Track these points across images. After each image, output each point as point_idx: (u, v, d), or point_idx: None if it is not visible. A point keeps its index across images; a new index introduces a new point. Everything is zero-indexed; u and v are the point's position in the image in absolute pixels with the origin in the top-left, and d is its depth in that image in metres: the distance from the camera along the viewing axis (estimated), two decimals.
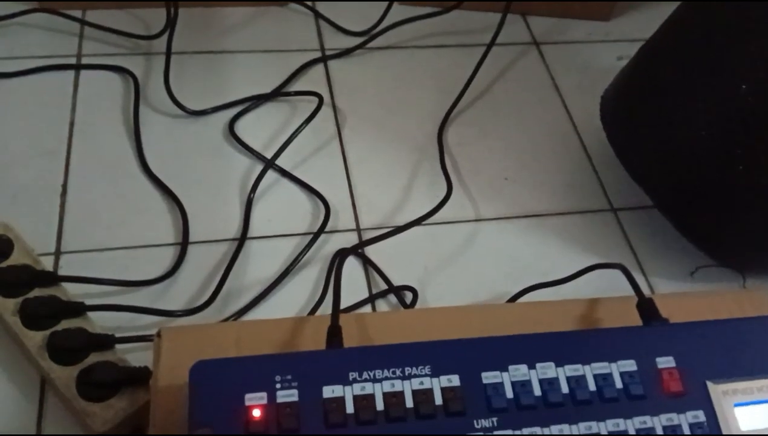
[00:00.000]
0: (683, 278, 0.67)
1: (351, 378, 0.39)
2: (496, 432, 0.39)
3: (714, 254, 0.67)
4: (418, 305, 0.61)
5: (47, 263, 0.59)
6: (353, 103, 0.77)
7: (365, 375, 0.40)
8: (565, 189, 0.73)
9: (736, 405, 0.42)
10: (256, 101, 0.74)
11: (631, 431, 0.40)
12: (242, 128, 0.72)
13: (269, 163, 0.68)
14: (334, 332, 0.44)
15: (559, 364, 0.41)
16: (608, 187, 0.73)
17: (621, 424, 0.40)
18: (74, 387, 0.48)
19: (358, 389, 0.39)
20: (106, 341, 0.51)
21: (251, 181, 0.67)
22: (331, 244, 0.65)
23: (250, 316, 0.59)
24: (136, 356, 0.52)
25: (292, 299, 0.60)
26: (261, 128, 0.73)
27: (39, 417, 0.51)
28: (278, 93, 0.76)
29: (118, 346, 0.52)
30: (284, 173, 0.69)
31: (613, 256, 0.68)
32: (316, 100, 0.74)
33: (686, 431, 0.40)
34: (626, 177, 0.69)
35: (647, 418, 0.40)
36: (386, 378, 0.40)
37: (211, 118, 0.72)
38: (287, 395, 0.38)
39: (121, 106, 0.72)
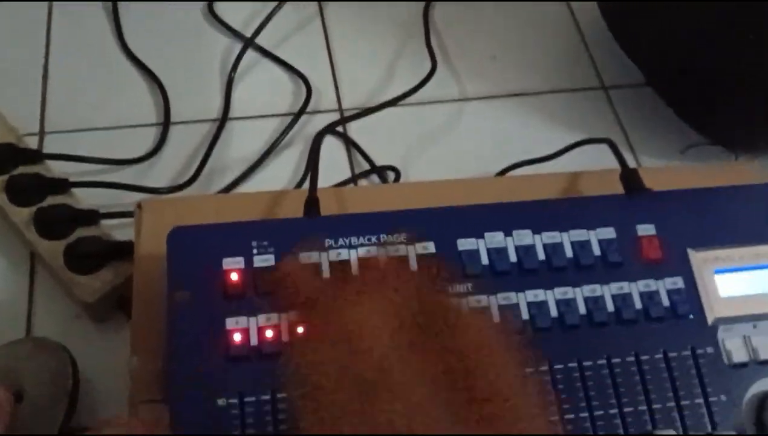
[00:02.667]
0: (674, 157, 0.66)
1: (327, 245, 0.40)
2: (470, 297, 0.40)
3: (706, 130, 0.66)
4: None
5: (31, 143, 0.58)
6: None
7: (341, 242, 0.40)
8: (555, 67, 0.71)
9: (717, 272, 0.42)
10: None
11: (607, 297, 0.41)
12: (222, 7, 0.70)
13: (248, 42, 0.66)
14: (312, 203, 0.44)
15: (536, 231, 0.42)
16: (600, 65, 0.72)
17: (597, 290, 0.41)
18: (61, 260, 0.49)
19: (333, 255, 0.40)
20: (92, 217, 0.51)
21: (231, 61, 0.66)
22: (313, 124, 0.64)
23: None
24: (122, 233, 0.53)
25: (275, 178, 0.60)
26: (241, 6, 0.70)
27: (30, 289, 0.52)
28: None
29: (103, 222, 0.53)
30: (265, 53, 0.67)
31: (603, 134, 0.66)
32: None
33: (664, 296, 0.41)
34: (619, 54, 0.67)
35: (624, 284, 0.41)
36: (362, 245, 0.40)
37: None
38: (264, 260, 0.39)
39: None
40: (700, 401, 0.39)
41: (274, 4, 0.69)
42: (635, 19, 0.63)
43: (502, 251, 0.41)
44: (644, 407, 0.38)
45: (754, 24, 0.56)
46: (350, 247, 0.40)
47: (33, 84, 0.62)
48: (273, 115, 0.64)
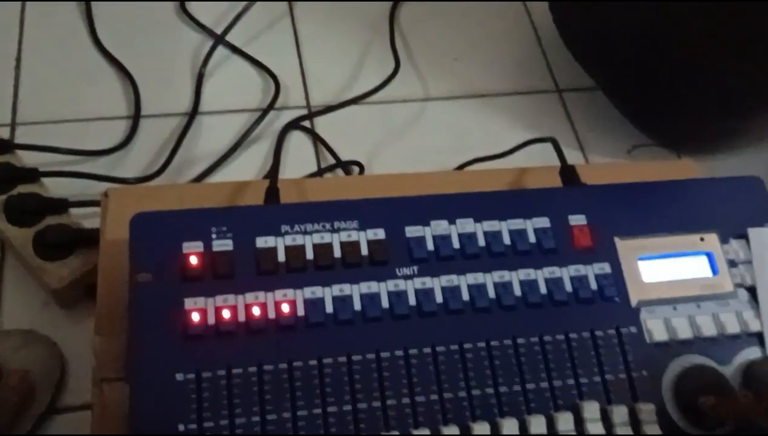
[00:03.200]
0: (621, 157, 0.70)
1: (283, 230, 0.42)
2: (416, 278, 0.43)
3: (651, 132, 0.70)
4: None
5: (4, 134, 0.60)
6: None
7: (296, 228, 0.43)
8: (514, 70, 0.75)
9: (640, 259, 0.45)
10: None
11: (541, 281, 0.44)
12: (194, 4, 0.72)
13: (219, 39, 0.69)
14: (272, 191, 0.46)
15: (477, 220, 0.45)
16: (555, 69, 0.75)
17: (531, 274, 0.44)
18: (31, 247, 0.51)
19: (289, 240, 0.42)
20: (60, 205, 0.53)
21: (202, 57, 0.68)
22: (281, 120, 0.67)
23: None
24: (91, 222, 0.55)
25: (243, 172, 0.63)
26: (213, 4, 0.73)
27: None
28: None
29: (74, 211, 0.55)
30: (235, 50, 0.70)
31: (556, 135, 0.69)
32: None
33: (592, 280, 0.44)
34: (573, 59, 0.71)
35: (556, 269, 0.44)
36: (316, 231, 0.43)
37: None
38: (222, 245, 0.41)
39: None
40: (624, 376, 0.42)
41: (245, 2, 0.72)
42: (582, 25, 0.66)
43: (446, 238, 0.44)
44: (572, 381, 0.42)
45: (695, 26, 0.59)
46: (305, 233, 0.43)
47: (5, 76, 0.64)
48: (242, 111, 0.67)
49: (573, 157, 0.68)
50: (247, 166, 0.63)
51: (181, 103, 0.66)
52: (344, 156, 0.65)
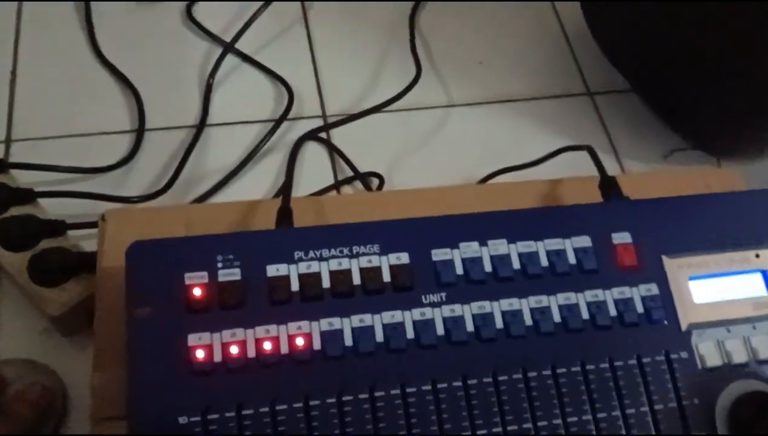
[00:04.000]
0: (657, 162, 0.66)
1: (296, 257, 0.39)
2: (444, 306, 0.39)
3: (689, 135, 0.66)
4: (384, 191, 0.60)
5: None
6: None
7: (311, 254, 0.39)
8: (541, 73, 0.70)
9: (691, 278, 0.42)
10: None
11: (582, 305, 0.40)
12: (201, 11, 0.69)
13: (228, 47, 0.65)
14: (284, 214, 0.43)
15: (511, 241, 0.41)
16: (586, 71, 0.71)
17: (572, 297, 0.40)
18: (26, 273, 0.48)
19: (303, 267, 0.38)
20: (57, 227, 0.50)
21: (210, 66, 0.64)
22: (295, 131, 0.63)
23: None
24: (91, 244, 0.51)
25: (254, 187, 0.59)
26: (221, 10, 0.69)
27: None
28: None
29: (73, 233, 0.51)
30: (245, 58, 0.66)
31: (588, 140, 0.65)
32: None
33: (638, 303, 0.41)
34: (605, 59, 0.66)
35: (599, 291, 0.40)
36: (333, 257, 0.39)
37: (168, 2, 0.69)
38: (229, 274, 0.37)
39: None
40: (674, 405, 0.39)
41: (256, 7, 0.68)
42: (618, 26, 0.62)
43: (477, 261, 0.40)
44: (617, 413, 0.38)
45: (738, 23, 0.55)
46: (321, 259, 0.39)
47: (0, 89, 0.61)
48: (253, 122, 0.63)
49: (606, 163, 0.62)
50: (260, 180, 0.60)
51: (189, 115, 0.62)
52: (363, 167, 0.61)
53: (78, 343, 0.49)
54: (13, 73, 0.62)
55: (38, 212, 0.51)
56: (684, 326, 0.41)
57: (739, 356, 0.40)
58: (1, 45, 0.64)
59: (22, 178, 0.54)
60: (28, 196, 0.51)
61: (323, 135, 0.62)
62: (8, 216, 0.50)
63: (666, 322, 0.40)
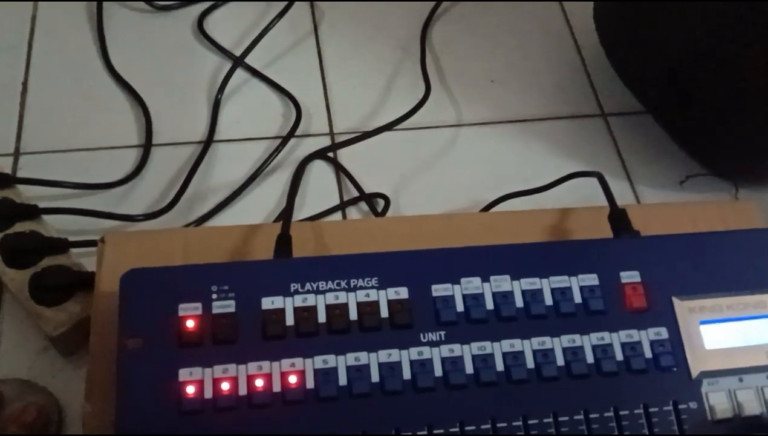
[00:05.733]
0: (672, 188, 0.64)
1: (293, 289, 0.38)
2: (442, 346, 0.37)
3: (706, 161, 0.64)
4: (390, 213, 0.59)
5: (6, 165, 0.57)
6: None
7: (308, 286, 0.38)
8: (555, 93, 0.69)
9: (702, 323, 0.40)
10: None
11: (587, 348, 0.39)
12: (212, 24, 0.68)
13: (238, 62, 0.65)
14: (283, 241, 0.42)
15: (515, 277, 0.40)
16: (600, 92, 0.69)
17: (576, 340, 0.39)
18: (27, 290, 0.47)
19: (299, 300, 0.38)
20: (60, 245, 0.50)
21: (219, 80, 0.64)
22: (302, 148, 0.62)
23: (215, 222, 0.57)
24: (94, 262, 0.51)
25: (260, 206, 0.58)
26: (232, 24, 0.68)
27: None
28: None
29: (75, 250, 0.51)
30: (255, 73, 0.65)
31: (601, 163, 0.65)
32: None
33: (646, 347, 0.39)
34: (620, 81, 0.65)
35: (605, 334, 0.39)
36: (330, 290, 0.38)
37: (179, 14, 0.68)
38: (223, 306, 0.37)
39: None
40: None
41: (267, 21, 0.68)
42: (631, 45, 0.60)
43: (479, 298, 0.39)
44: None
45: (756, 47, 0.53)
46: (317, 292, 0.38)
47: (11, 102, 0.61)
48: (261, 138, 0.62)
49: (619, 188, 0.62)
50: (266, 198, 0.59)
51: (196, 130, 0.62)
52: (369, 186, 0.60)
53: (77, 362, 0.49)
54: (24, 84, 0.62)
55: (42, 228, 0.51)
56: (694, 374, 0.39)
57: (752, 408, 0.38)
58: (13, 56, 0.64)
59: (28, 193, 0.54)
60: (33, 211, 0.51)
61: (330, 154, 0.61)
62: (12, 233, 0.49)
63: (675, 369, 0.39)
